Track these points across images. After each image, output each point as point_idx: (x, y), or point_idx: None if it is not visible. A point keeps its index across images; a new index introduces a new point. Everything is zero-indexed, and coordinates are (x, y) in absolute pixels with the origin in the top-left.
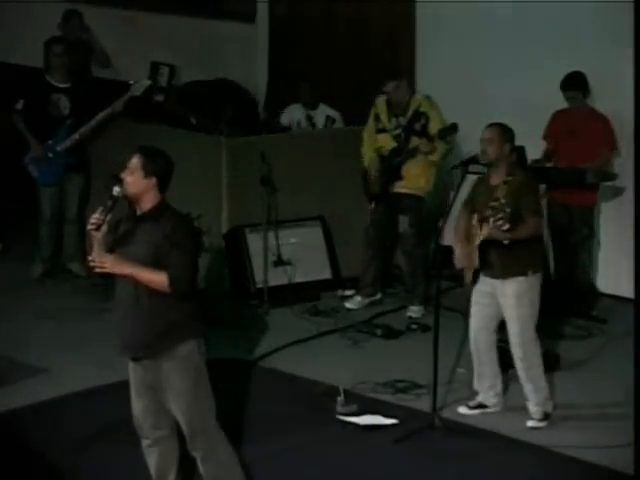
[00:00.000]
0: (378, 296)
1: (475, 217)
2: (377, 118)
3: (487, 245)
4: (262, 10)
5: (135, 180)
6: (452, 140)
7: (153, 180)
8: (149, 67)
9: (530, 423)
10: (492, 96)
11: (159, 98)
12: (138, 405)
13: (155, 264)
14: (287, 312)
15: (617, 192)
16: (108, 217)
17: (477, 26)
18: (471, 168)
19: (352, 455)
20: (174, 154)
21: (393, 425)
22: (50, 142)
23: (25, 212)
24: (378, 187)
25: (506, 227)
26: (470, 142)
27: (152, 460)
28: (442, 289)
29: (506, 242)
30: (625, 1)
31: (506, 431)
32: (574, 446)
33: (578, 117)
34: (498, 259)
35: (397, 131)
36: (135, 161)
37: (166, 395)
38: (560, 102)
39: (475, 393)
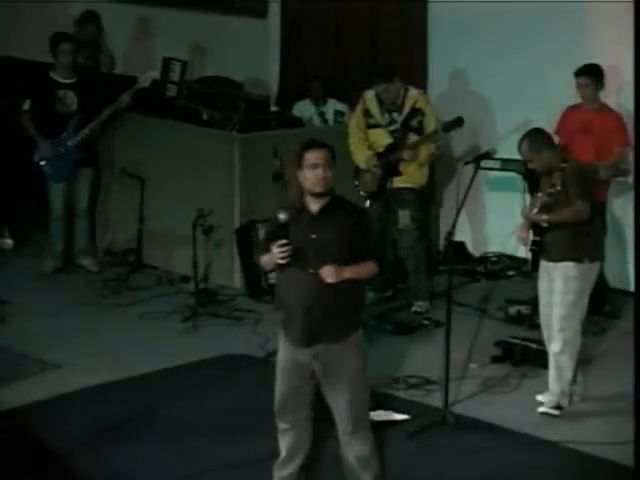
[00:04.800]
0: (389, 292)
1: None
2: (367, 113)
3: (541, 229)
4: (274, 6)
5: (332, 174)
6: (439, 139)
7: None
8: (161, 63)
9: (541, 408)
10: (505, 93)
11: (171, 94)
12: (285, 388)
13: (347, 251)
14: None
15: (628, 188)
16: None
17: (489, 23)
18: (484, 164)
19: None
20: (186, 150)
21: (405, 421)
22: (61, 138)
23: (36, 208)
24: (376, 185)
25: (534, 211)
26: (485, 138)
27: (286, 442)
28: (454, 284)
29: (545, 225)
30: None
31: (518, 427)
32: (588, 442)
33: (590, 113)
34: (552, 243)
35: (393, 127)
36: (327, 155)
37: (336, 380)
38: (573, 97)
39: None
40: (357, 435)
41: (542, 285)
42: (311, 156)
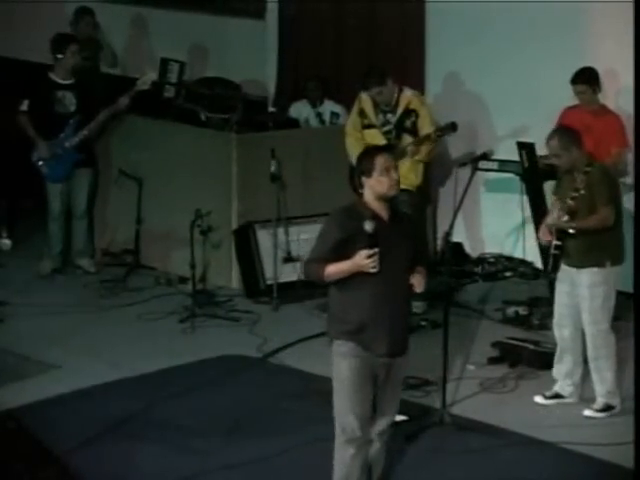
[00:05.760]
0: None
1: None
2: (362, 113)
3: (565, 234)
4: (272, 6)
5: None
6: (438, 139)
7: None
8: (159, 63)
9: (586, 412)
10: (502, 94)
11: (169, 94)
12: (365, 399)
13: (411, 257)
14: (297, 308)
15: (628, 188)
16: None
17: (487, 24)
18: (481, 165)
19: None
20: (184, 150)
21: (403, 421)
22: (59, 139)
23: (34, 209)
24: None
25: (565, 218)
26: (482, 139)
27: (359, 462)
28: (451, 285)
29: (571, 231)
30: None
31: (516, 427)
32: (587, 443)
33: (589, 114)
34: (574, 248)
35: (387, 127)
36: (393, 158)
37: (390, 384)
38: (570, 99)
39: (553, 381)
40: (383, 436)
41: (561, 287)
42: (384, 160)
